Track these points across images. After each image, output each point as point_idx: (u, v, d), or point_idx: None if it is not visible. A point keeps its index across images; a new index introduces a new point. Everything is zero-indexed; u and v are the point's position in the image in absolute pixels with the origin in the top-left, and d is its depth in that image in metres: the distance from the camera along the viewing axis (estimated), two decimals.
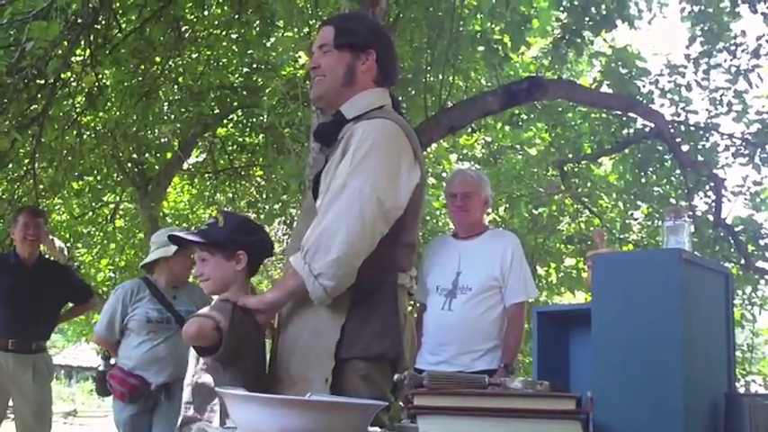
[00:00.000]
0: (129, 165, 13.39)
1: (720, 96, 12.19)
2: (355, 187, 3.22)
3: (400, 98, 3.71)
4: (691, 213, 10.80)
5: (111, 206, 14.89)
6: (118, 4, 10.09)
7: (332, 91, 3.55)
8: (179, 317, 6.45)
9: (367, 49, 3.54)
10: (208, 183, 14.97)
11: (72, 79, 10.24)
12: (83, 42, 9.45)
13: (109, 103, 11.50)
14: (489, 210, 6.25)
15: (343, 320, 3.27)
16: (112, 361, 6.63)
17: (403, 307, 3.45)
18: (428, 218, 13.55)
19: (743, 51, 11.74)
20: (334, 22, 3.69)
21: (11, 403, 7.59)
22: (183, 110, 12.38)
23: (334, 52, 3.53)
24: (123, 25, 10.25)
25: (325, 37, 3.57)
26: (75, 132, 10.87)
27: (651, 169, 12.91)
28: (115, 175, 13.76)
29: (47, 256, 7.93)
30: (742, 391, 9.17)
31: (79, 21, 8.67)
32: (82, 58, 9.92)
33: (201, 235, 3.76)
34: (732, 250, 12.17)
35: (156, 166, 13.55)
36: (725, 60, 11.97)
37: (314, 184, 3.54)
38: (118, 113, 11.33)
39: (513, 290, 5.53)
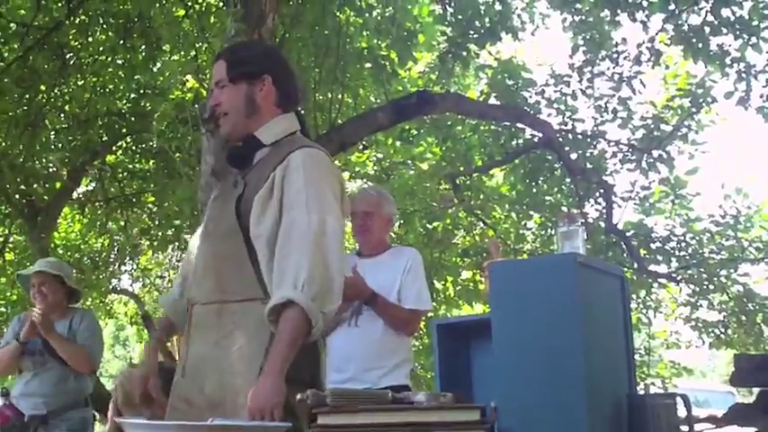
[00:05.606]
0: (17, 196, 13.13)
1: (605, 104, 12.40)
2: (333, 226, 3.28)
3: None
4: (582, 221, 10.94)
5: (0, 239, 14.57)
6: None
7: (238, 125, 3.54)
8: (51, 348, 6.34)
9: (261, 75, 3.53)
10: (99, 211, 14.74)
11: None
12: None
13: None
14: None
15: (267, 344, 3.23)
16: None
17: None
18: None
19: (625, 59, 11.98)
20: (224, 55, 3.67)
21: None
22: (70, 138, 12.21)
23: (230, 86, 3.53)
24: (6, 54, 10.08)
25: (219, 72, 3.57)
26: None
27: (542, 179, 13.05)
28: (3, 207, 13.51)
29: None
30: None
31: None
32: None
33: None
34: (625, 255, 12.35)
35: (45, 197, 13.30)
36: (608, 68, 12.20)
37: (236, 206, 3.47)
38: (3, 144, 11.13)
39: (405, 296, 5.51)
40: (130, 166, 14.05)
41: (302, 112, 3.75)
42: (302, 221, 3.26)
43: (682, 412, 2.80)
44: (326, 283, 3.19)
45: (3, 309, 15.89)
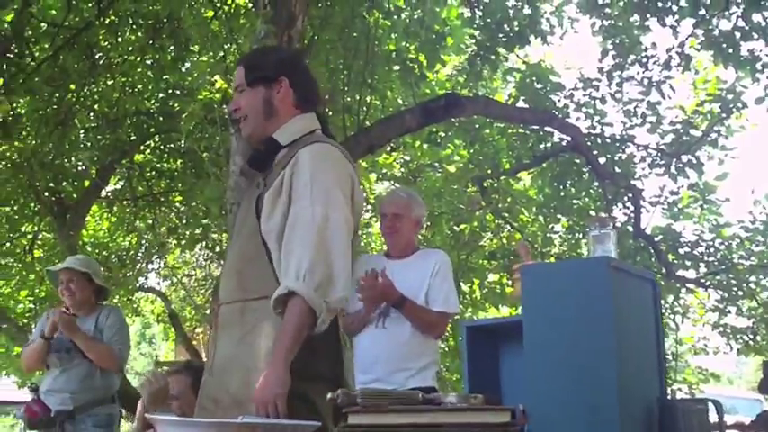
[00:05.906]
0: (47, 194, 13.17)
1: (634, 108, 12.34)
2: (337, 219, 3.33)
3: None
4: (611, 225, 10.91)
5: (30, 236, 14.63)
6: (30, 33, 9.97)
7: (258, 127, 3.63)
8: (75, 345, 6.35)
9: (277, 78, 3.63)
10: (127, 210, 14.78)
11: None
12: None
13: (24, 132, 11.35)
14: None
15: None
16: None
17: (340, 328, 3.48)
18: None
19: (654, 63, 11.92)
20: (243, 61, 3.81)
21: None
22: (99, 137, 12.25)
23: (248, 90, 3.65)
24: (36, 53, 10.14)
25: (238, 78, 3.69)
26: None
27: (570, 182, 12.99)
28: (32, 204, 13.55)
29: None
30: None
31: None
32: None
33: None
34: (653, 260, 12.30)
35: (74, 195, 13.33)
36: (637, 73, 12.14)
37: (256, 206, 3.52)
38: (34, 142, 11.18)
39: (433, 298, 5.50)
40: (158, 166, 14.07)
41: (329, 113, 3.81)
42: (306, 214, 3.32)
43: (712, 418, 2.79)
44: (329, 274, 3.24)
45: (31, 305, 15.97)
